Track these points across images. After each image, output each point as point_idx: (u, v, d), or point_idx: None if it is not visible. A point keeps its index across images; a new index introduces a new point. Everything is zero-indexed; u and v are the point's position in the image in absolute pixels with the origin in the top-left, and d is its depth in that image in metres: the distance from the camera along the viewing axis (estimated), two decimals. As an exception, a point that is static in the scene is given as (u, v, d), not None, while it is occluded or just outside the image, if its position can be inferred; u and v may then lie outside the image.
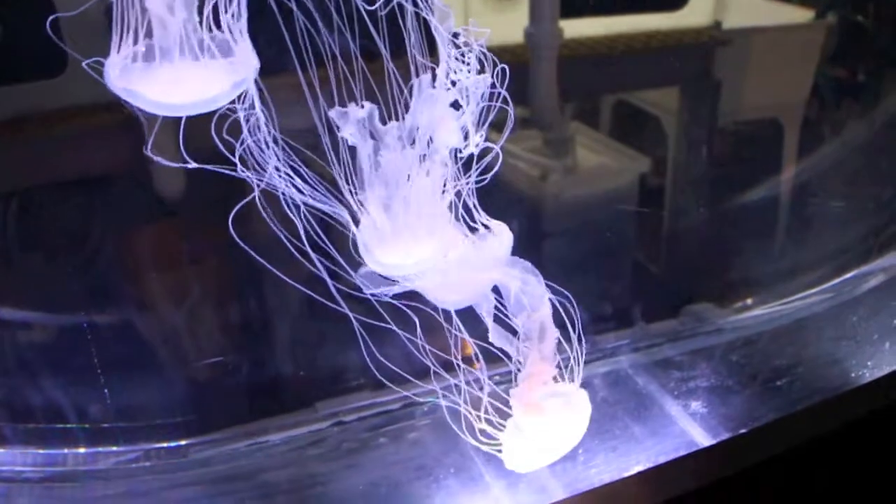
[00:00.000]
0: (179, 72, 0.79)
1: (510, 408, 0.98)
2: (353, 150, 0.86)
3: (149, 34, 0.78)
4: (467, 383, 0.97)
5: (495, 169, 0.88)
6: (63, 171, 1.20)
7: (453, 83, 0.84)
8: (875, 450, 1.39)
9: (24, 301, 1.20)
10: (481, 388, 0.97)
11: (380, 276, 0.90)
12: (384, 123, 0.86)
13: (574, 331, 0.96)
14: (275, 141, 0.84)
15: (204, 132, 0.81)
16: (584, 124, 1.71)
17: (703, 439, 1.20)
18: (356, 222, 0.88)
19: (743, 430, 1.21)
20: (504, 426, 0.99)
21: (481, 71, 0.84)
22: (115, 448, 1.21)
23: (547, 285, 0.95)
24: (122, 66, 0.78)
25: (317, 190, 0.87)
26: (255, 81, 0.81)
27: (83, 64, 0.78)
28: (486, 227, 0.91)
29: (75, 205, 1.19)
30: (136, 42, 0.78)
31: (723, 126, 1.78)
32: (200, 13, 0.78)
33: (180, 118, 0.81)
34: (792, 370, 1.36)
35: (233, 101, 0.81)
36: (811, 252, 1.75)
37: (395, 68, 0.85)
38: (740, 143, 1.80)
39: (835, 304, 1.56)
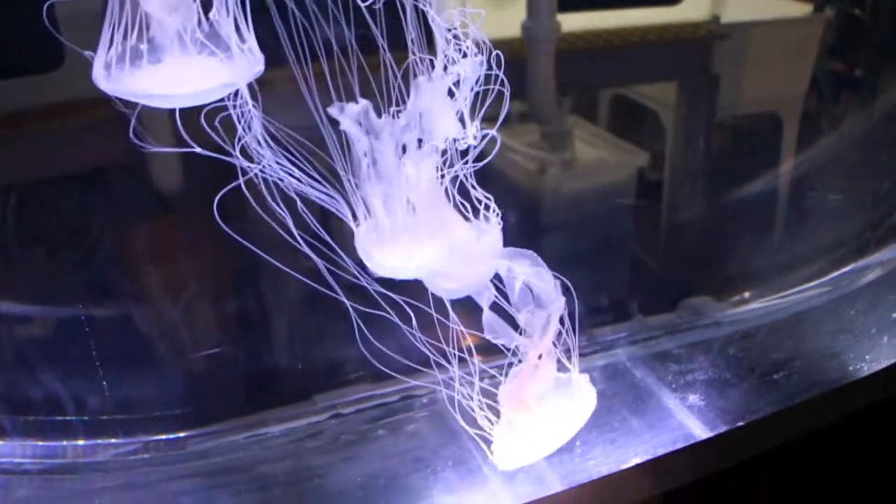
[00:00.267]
0: (177, 66, 0.79)
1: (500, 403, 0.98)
2: (350, 143, 0.87)
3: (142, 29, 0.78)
4: (466, 375, 0.97)
5: (493, 153, 0.88)
6: (61, 166, 1.20)
7: (449, 71, 0.84)
8: (873, 443, 1.39)
9: (23, 295, 1.20)
10: (481, 380, 0.97)
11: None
12: (382, 116, 0.86)
13: (573, 323, 0.97)
14: (273, 137, 0.85)
15: (200, 124, 0.81)
16: (582, 118, 1.71)
17: (701, 432, 1.20)
18: (355, 216, 0.88)
19: (740, 423, 1.21)
20: (497, 421, 0.99)
21: (478, 55, 0.84)
22: (113, 440, 1.21)
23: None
24: (113, 62, 0.78)
25: (315, 181, 0.87)
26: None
27: (85, 54, 0.78)
28: (485, 214, 0.91)
29: (73, 199, 1.20)
30: (130, 35, 0.78)
31: (721, 120, 1.79)
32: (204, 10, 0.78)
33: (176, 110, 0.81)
34: (790, 363, 1.36)
35: (229, 97, 0.81)
36: (809, 245, 1.75)
37: (393, 59, 0.85)
38: (739, 138, 1.80)
39: (833, 298, 1.57)
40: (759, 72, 1.76)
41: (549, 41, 1.51)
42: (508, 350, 0.96)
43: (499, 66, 0.84)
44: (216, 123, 0.81)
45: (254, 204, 0.86)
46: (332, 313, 0.96)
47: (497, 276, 0.94)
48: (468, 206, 0.90)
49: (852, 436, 1.34)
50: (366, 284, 0.89)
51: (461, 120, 0.85)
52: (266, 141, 0.85)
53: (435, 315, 0.92)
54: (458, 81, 0.84)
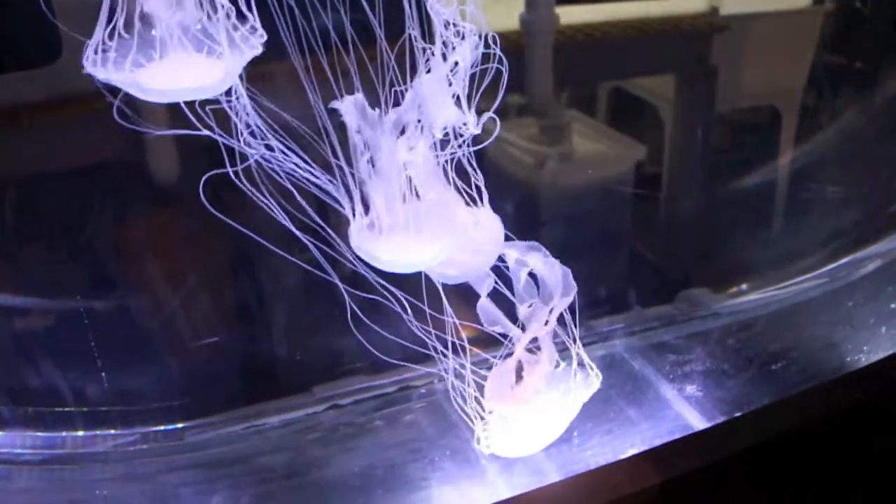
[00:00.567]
0: (175, 61, 0.79)
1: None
2: (347, 134, 0.86)
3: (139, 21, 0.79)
4: (461, 367, 0.97)
5: (490, 138, 0.87)
6: (59, 159, 1.21)
7: (448, 58, 0.84)
8: (871, 434, 1.39)
9: (23, 287, 1.21)
10: (479, 370, 0.97)
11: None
12: (381, 106, 0.86)
13: (573, 315, 0.96)
14: (269, 127, 0.85)
15: (197, 112, 0.81)
16: (580, 112, 1.71)
17: (698, 423, 1.21)
18: (353, 208, 0.88)
19: (738, 414, 1.21)
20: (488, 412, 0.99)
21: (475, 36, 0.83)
22: (112, 431, 1.22)
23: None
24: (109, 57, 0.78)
25: (312, 174, 0.87)
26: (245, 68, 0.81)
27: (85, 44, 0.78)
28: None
29: (72, 191, 1.20)
30: (128, 27, 0.79)
31: (720, 113, 1.79)
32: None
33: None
34: (788, 354, 1.36)
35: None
36: (807, 237, 1.75)
37: (390, 49, 0.85)
38: (737, 131, 1.80)
39: (831, 289, 1.57)
40: (758, 64, 1.75)
41: (548, 34, 1.51)
42: (505, 339, 0.96)
43: (497, 58, 0.84)
44: (211, 113, 0.82)
45: (251, 194, 0.86)
46: (330, 304, 0.96)
47: (496, 267, 0.94)
48: (468, 193, 0.90)
49: (850, 427, 1.34)
50: (364, 272, 0.89)
51: (459, 105, 0.85)
52: (262, 131, 0.85)
53: (428, 312, 0.92)
54: (457, 67, 0.84)
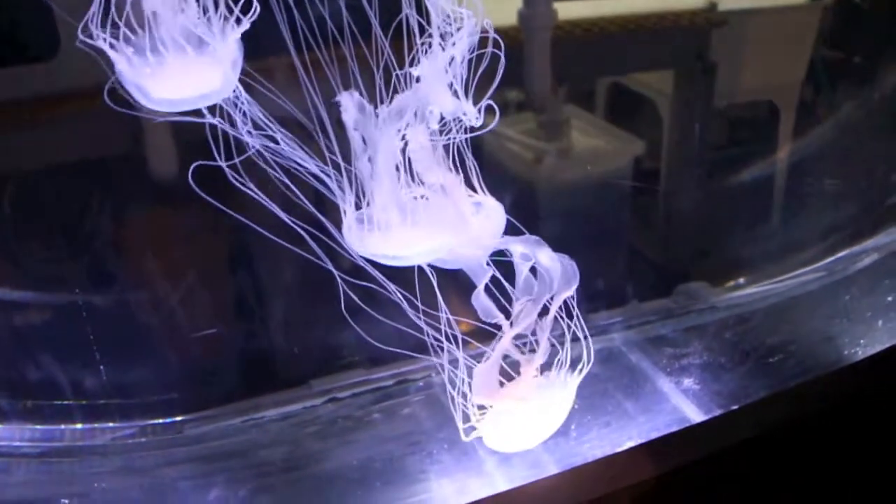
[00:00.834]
0: (176, 69, 0.79)
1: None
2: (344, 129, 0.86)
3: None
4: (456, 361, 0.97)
5: (487, 129, 0.87)
6: (57, 155, 1.21)
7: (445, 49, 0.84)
8: (868, 427, 1.39)
9: (22, 281, 1.21)
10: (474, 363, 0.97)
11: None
12: (379, 101, 0.86)
13: (570, 309, 0.96)
14: (267, 121, 0.85)
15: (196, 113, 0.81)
16: (578, 107, 1.71)
17: (696, 415, 1.21)
18: (351, 204, 0.88)
19: (735, 407, 1.22)
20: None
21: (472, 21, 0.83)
22: (111, 424, 1.22)
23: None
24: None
25: (308, 170, 0.87)
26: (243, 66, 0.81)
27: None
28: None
29: (70, 186, 1.20)
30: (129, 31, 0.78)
31: (718, 108, 1.79)
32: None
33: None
34: (785, 348, 1.36)
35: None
36: (804, 231, 1.75)
37: (387, 41, 0.85)
38: (735, 126, 1.80)
39: (828, 283, 1.57)
40: (757, 60, 1.76)
41: (546, 29, 1.52)
42: (500, 331, 0.96)
43: (495, 44, 0.84)
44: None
45: (249, 188, 0.86)
46: (328, 297, 0.96)
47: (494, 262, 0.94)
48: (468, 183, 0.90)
49: (847, 419, 1.34)
50: (363, 265, 0.89)
51: (457, 95, 0.85)
52: (262, 122, 0.85)
53: (422, 308, 0.92)
54: (454, 60, 0.84)
